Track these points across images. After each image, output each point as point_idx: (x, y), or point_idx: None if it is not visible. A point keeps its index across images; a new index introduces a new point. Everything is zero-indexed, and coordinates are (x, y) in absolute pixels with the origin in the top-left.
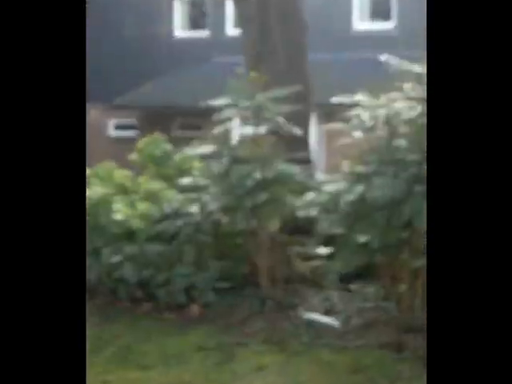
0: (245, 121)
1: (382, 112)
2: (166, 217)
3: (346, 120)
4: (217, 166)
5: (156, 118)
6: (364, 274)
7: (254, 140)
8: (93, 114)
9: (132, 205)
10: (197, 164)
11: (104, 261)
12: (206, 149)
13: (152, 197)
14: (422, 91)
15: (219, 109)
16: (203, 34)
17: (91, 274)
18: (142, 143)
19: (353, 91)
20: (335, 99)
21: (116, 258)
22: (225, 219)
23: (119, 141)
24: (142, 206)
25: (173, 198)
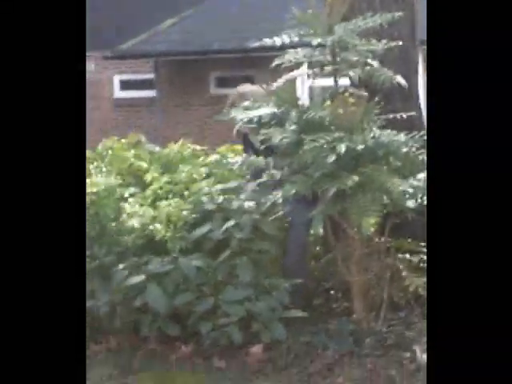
0: (319, 67)
1: None
2: (206, 216)
3: None
4: (280, 137)
5: (182, 70)
6: None
7: (336, 96)
8: (86, 66)
9: (153, 201)
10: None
11: (118, 282)
12: (262, 111)
13: (183, 188)
14: None
15: (279, 50)
16: None
17: (99, 302)
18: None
19: None
20: None
21: (136, 279)
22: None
23: (129, 105)
24: (169, 203)
25: (215, 189)
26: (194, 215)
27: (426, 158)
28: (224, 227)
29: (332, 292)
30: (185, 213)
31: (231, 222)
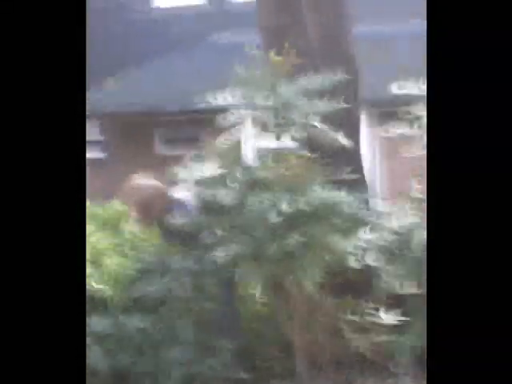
0: (263, 127)
1: None
2: (148, 274)
3: (415, 121)
4: (224, 196)
5: (130, 129)
6: None
7: (279, 156)
8: None
9: (94, 260)
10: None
11: None
12: (207, 171)
13: (126, 246)
14: None
15: (224, 110)
16: (194, 0)
17: None
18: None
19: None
20: (396, 90)
21: None
22: (238, 275)
23: None
24: (110, 261)
25: (157, 247)
26: (136, 273)
27: (368, 218)
28: (165, 286)
29: (276, 352)
30: (129, 271)
31: (175, 281)
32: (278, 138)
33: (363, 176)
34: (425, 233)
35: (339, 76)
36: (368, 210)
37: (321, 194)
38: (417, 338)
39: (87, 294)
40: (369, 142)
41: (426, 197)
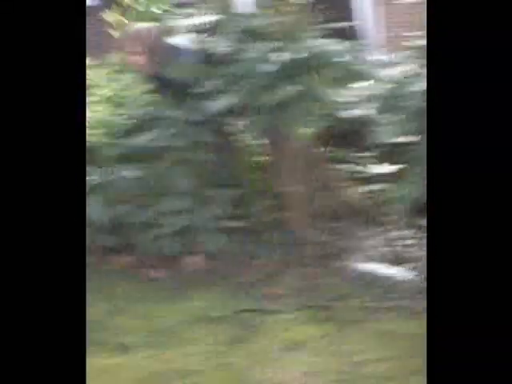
0: None
1: None
2: (142, 125)
3: None
4: (217, 46)
5: None
6: None
7: (273, 3)
8: None
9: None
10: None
11: None
12: (201, 19)
13: (117, 97)
14: None
15: None
16: None
17: None
18: None
19: None
20: None
21: None
22: (233, 126)
23: None
24: (102, 110)
25: (153, 98)
26: (129, 122)
27: (362, 67)
28: (163, 136)
29: (269, 202)
30: (119, 119)
31: (171, 131)
32: None
33: (357, 25)
34: (421, 83)
35: None
36: (362, 59)
37: (314, 43)
38: (411, 186)
39: None
40: None
41: (422, 45)
